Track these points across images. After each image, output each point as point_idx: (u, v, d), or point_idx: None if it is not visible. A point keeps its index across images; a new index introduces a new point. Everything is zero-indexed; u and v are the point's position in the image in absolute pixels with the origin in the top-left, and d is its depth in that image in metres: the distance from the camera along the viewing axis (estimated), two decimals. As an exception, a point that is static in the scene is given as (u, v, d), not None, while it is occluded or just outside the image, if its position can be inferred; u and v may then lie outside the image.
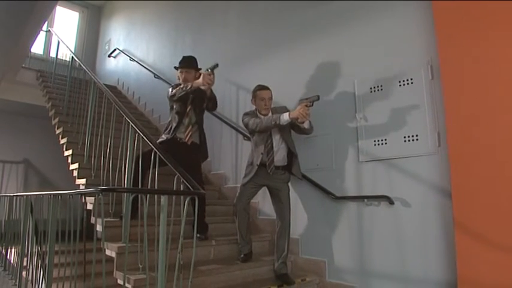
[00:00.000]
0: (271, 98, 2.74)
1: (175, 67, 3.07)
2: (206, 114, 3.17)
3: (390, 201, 2.39)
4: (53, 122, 4.34)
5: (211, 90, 2.84)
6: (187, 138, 2.81)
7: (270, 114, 2.71)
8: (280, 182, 2.69)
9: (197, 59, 3.09)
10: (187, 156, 2.75)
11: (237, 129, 3.66)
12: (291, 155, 2.71)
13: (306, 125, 2.58)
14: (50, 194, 2.46)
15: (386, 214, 2.44)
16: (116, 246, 2.36)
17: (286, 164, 2.71)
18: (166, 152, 2.48)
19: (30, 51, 5.54)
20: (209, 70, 2.61)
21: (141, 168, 2.50)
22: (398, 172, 2.42)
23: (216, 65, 2.62)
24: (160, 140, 2.88)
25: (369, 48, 2.71)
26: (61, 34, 6.80)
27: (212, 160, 3.92)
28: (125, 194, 2.49)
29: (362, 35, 2.77)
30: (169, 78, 4.85)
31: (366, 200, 2.53)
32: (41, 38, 6.76)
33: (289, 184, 2.76)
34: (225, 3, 4.29)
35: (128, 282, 2.13)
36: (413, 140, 2.37)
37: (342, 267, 2.66)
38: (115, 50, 6.78)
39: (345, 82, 2.83)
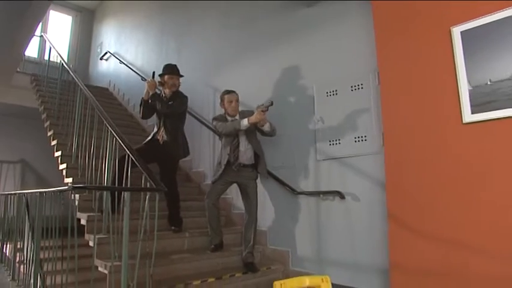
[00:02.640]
0: (237, 101, 2.97)
1: (159, 75, 3.29)
2: (187, 115, 3.49)
3: (341, 196, 2.65)
4: (45, 125, 4.60)
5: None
6: (160, 138, 3.14)
7: (237, 116, 2.96)
8: (248, 179, 2.92)
9: (181, 62, 3.51)
10: (163, 153, 3.09)
11: (214, 131, 3.92)
12: (256, 155, 2.94)
13: (266, 128, 2.82)
14: (32, 192, 2.72)
15: (339, 208, 2.70)
16: (97, 237, 2.63)
17: (253, 162, 2.94)
18: (148, 149, 3.01)
19: (24, 55, 5.79)
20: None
21: (128, 167, 2.77)
22: (349, 170, 2.68)
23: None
24: (146, 140, 3.27)
25: (326, 56, 2.95)
26: (55, 38, 7.07)
27: (193, 159, 4.19)
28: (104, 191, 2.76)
29: (321, 44, 3.01)
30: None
31: (321, 195, 2.79)
32: (35, 41, 7.00)
33: (257, 181, 3.02)
34: (204, 11, 4.54)
35: (105, 268, 2.42)
36: (362, 140, 2.62)
37: (303, 256, 2.93)
38: (106, 53, 7.03)
39: (306, 86, 3.08)
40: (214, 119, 3.01)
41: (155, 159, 3.14)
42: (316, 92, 2.96)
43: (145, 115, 3.25)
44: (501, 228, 1.77)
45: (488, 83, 1.85)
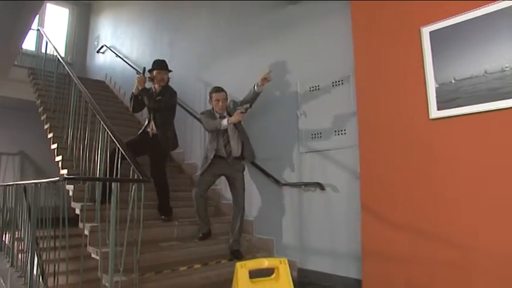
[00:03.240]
0: (225, 99, 3.08)
1: (148, 70, 3.39)
2: (179, 108, 3.65)
3: (321, 188, 2.78)
4: (42, 118, 4.72)
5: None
6: (150, 131, 3.28)
7: (225, 112, 3.07)
8: (236, 171, 3.04)
9: (174, 56, 3.91)
10: (152, 146, 3.24)
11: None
12: (243, 143, 3.08)
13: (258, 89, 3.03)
14: (27, 184, 2.86)
15: (320, 198, 2.83)
16: (89, 225, 2.79)
17: (240, 154, 3.05)
18: (139, 142, 3.21)
19: (22, 48, 5.86)
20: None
21: (118, 159, 2.84)
22: (330, 162, 2.80)
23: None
24: (139, 132, 3.43)
25: (310, 52, 3.05)
26: (52, 31, 7.14)
27: (185, 151, 4.31)
28: (97, 182, 2.90)
29: (305, 41, 3.11)
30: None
31: (303, 186, 2.92)
32: (33, 34, 7.06)
33: (245, 173, 3.15)
34: (196, 8, 4.61)
35: (97, 255, 2.56)
36: (341, 134, 2.74)
37: (286, 244, 3.07)
38: (103, 46, 7.10)
39: (290, 82, 3.18)
40: (202, 113, 3.15)
41: (146, 151, 3.27)
42: (300, 87, 3.07)
43: (135, 109, 3.37)
44: (465, 218, 1.89)
45: (453, 81, 1.95)
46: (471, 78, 1.89)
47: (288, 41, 3.26)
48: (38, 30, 6.63)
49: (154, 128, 3.25)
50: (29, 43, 7.09)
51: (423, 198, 2.04)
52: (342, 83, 2.78)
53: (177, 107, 3.57)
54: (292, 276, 2.89)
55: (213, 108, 3.11)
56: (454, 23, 1.97)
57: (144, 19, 6.06)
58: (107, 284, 2.38)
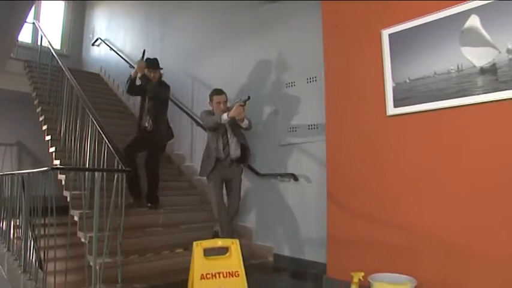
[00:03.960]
0: (226, 101, 3.10)
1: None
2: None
3: (295, 178, 2.97)
4: (37, 110, 4.89)
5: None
6: (148, 125, 3.44)
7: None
8: (235, 173, 3.09)
9: (164, 51, 4.25)
10: (148, 139, 3.42)
11: (192, 117, 4.21)
12: (243, 147, 3.08)
13: (244, 125, 3.00)
14: (12, 174, 3.05)
15: (294, 188, 3.03)
16: (78, 212, 2.99)
17: (239, 156, 3.06)
18: (140, 138, 3.42)
19: (18, 41, 5.98)
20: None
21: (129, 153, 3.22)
22: (303, 154, 2.99)
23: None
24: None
25: (288, 50, 3.21)
26: (48, 23, 7.24)
27: (173, 142, 4.50)
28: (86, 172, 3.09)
29: (284, 39, 3.27)
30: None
31: (279, 177, 3.11)
32: (29, 27, 7.18)
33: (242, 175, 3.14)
34: (185, 3, 4.73)
35: (85, 239, 2.77)
36: (314, 128, 2.92)
37: (264, 231, 3.28)
38: (97, 39, 7.22)
39: (269, 78, 3.35)
40: (203, 112, 3.18)
41: (146, 147, 3.45)
42: (278, 83, 3.23)
43: (130, 91, 3.53)
44: (411, 205, 2.07)
45: (407, 80, 2.11)
46: (423, 78, 2.05)
47: (268, 39, 3.42)
48: (33, 23, 6.75)
49: (150, 124, 3.40)
50: (25, 36, 7.22)
51: (379, 187, 2.22)
52: (316, 80, 2.94)
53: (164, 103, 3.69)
54: (268, 261, 3.13)
55: (213, 110, 3.13)
56: (409, 26, 2.12)
57: (136, 13, 6.18)
58: (92, 264, 2.59)
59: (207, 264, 1.43)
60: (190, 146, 4.26)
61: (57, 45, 8.16)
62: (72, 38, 8.24)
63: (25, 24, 5.23)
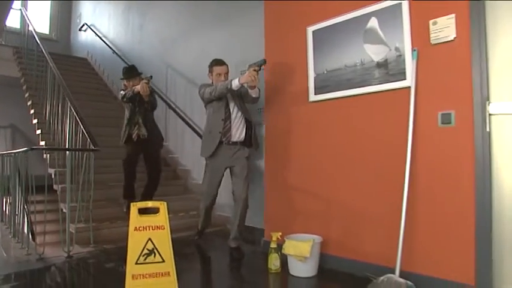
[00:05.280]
0: (227, 73, 2.81)
1: (121, 78, 3.63)
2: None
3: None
4: (25, 95, 5.26)
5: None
6: (140, 134, 3.39)
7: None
8: (239, 157, 2.71)
9: (143, 38, 4.52)
10: (143, 147, 3.43)
11: (166, 101, 4.59)
12: (248, 129, 2.74)
13: (254, 94, 2.62)
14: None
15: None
16: (60, 186, 3.44)
17: (244, 137, 2.72)
18: (134, 149, 3.37)
19: (6, 25, 6.24)
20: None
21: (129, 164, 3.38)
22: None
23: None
24: (124, 138, 3.45)
25: (244, 40, 3.55)
26: (36, 9, 7.43)
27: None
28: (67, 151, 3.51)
29: (241, 30, 3.59)
30: (124, 54, 5.70)
31: (234, 154, 3.51)
32: (17, 13, 7.42)
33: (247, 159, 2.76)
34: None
35: (65, 209, 3.21)
36: (262, 111, 3.29)
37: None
38: (84, 24, 7.49)
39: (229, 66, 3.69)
40: (203, 85, 2.80)
41: (139, 155, 3.48)
42: (234, 72, 3.58)
43: (125, 100, 3.38)
44: (329, 178, 2.48)
45: (325, 72, 2.48)
46: (337, 70, 2.41)
47: (227, 30, 3.75)
48: (20, 10, 6.98)
49: (143, 131, 3.38)
50: (14, 21, 7.46)
51: (306, 163, 2.63)
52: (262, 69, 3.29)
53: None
54: (226, 228, 3.56)
55: (212, 83, 2.83)
56: (327, 25, 2.45)
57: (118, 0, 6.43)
58: (72, 231, 3.05)
59: (140, 220, 1.85)
60: (164, 129, 4.65)
61: (45, 30, 8.42)
62: (60, 23, 8.48)
63: (14, 10, 5.48)
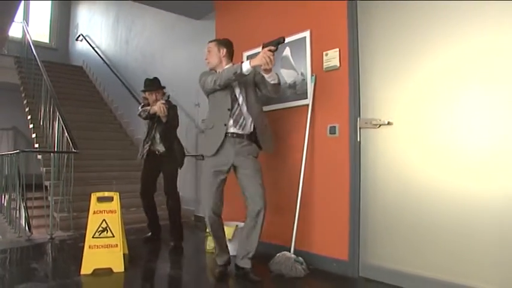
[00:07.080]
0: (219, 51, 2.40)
1: (141, 90, 3.36)
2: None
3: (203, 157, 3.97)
4: (24, 102, 5.91)
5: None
6: (156, 151, 3.16)
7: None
8: (247, 154, 2.25)
9: (128, 52, 5.20)
10: (161, 165, 3.14)
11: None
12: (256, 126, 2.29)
13: (271, 79, 2.18)
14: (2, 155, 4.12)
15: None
16: (49, 182, 4.06)
17: (251, 132, 2.29)
18: (150, 166, 3.14)
19: (8, 36, 6.85)
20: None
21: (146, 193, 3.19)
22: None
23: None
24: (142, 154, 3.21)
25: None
26: (37, 18, 8.05)
27: (136, 129, 5.51)
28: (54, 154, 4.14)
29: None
30: (113, 65, 6.33)
31: (196, 156, 4.12)
32: (19, 25, 8.08)
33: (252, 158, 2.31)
34: (145, 11, 5.62)
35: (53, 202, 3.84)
36: (219, 119, 3.89)
37: (189, 197, 4.32)
38: (80, 35, 8.14)
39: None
40: (204, 73, 2.38)
41: (158, 170, 3.19)
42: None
43: (143, 118, 3.18)
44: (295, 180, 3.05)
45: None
46: (263, 88, 2.99)
47: (197, 47, 4.36)
48: (22, 22, 7.65)
49: (161, 147, 3.14)
50: (16, 31, 8.13)
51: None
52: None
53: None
54: (190, 220, 4.18)
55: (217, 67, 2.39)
56: (257, 51, 3.03)
57: (108, 13, 7.07)
58: (57, 219, 3.68)
59: (98, 206, 2.46)
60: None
61: (46, 39, 9.10)
62: (59, 32, 9.17)
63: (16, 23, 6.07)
